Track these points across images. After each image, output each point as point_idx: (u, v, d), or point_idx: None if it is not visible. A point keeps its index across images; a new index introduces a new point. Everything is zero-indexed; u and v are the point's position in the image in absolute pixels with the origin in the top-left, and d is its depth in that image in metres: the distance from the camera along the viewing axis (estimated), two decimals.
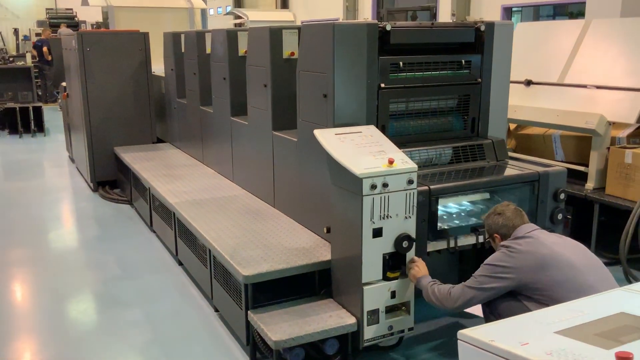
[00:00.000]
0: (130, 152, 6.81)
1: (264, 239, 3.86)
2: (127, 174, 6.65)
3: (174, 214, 4.77)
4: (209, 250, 3.94)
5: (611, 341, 1.39)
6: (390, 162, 3.14)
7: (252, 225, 4.13)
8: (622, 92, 4.74)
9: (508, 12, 14.81)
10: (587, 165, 4.90)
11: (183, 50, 6.53)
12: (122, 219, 6.20)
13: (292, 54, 4.33)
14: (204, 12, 11.84)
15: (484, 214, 3.31)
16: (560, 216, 3.73)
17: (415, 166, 3.20)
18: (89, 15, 22.08)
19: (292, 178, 4.17)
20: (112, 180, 7.25)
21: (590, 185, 4.84)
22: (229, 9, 27.58)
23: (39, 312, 4.15)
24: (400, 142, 3.56)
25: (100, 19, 21.02)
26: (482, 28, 3.89)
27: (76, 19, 22.16)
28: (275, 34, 4.27)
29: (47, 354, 3.61)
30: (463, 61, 3.88)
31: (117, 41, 7.04)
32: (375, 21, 3.57)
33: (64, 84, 8.86)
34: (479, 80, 3.96)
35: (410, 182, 3.17)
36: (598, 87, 4.94)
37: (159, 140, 7.59)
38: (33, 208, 6.64)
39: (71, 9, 23.24)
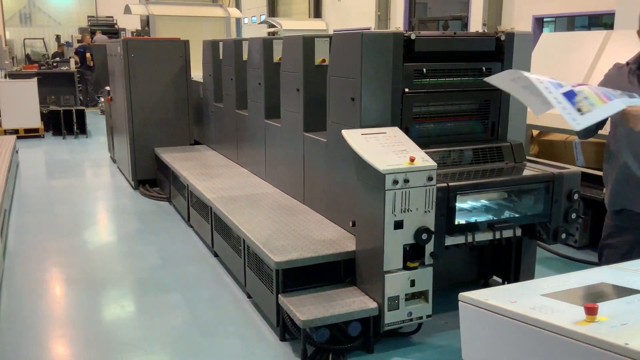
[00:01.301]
0: (170, 152, 7.21)
1: (294, 231, 4.17)
2: (166, 173, 7.06)
3: (210, 208, 5.12)
4: (244, 241, 4.26)
5: (586, 301, 1.65)
6: (412, 160, 3.42)
7: (283, 219, 4.45)
8: None
9: (539, 22, 14.90)
10: None
11: (221, 57, 6.91)
12: (161, 214, 6.59)
13: (324, 60, 4.64)
14: (239, 21, 12.32)
15: (500, 211, 3.53)
16: (574, 215, 3.94)
17: (435, 164, 3.46)
18: (129, 23, 22.90)
19: (321, 176, 4.47)
20: (152, 179, 7.67)
21: None
22: (263, 18, 28.22)
23: (86, 295, 4.52)
24: (423, 143, 3.81)
25: (139, 27, 21.89)
26: (503, 38, 4.13)
27: (116, 26, 22.99)
28: (308, 42, 4.60)
29: (94, 330, 3.97)
30: (484, 68, 4.13)
31: (159, 48, 7.48)
32: (402, 30, 3.85)
33: (107, 88, 9.36)
34: None
35: (430, 178, 3.44)
36: None
37: (196, 143, 7.99)
38: (78, 204, 7.10)
39: (111, 17, 24.11)
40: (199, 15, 11.37)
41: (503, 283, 4.51)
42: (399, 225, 3.41)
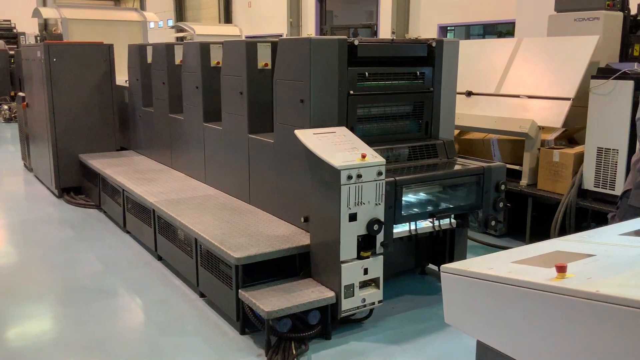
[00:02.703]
0: (97, 158, 7.07)
1: (246, 229, 4.31)
2: (93, 180, 6.91)
3: (153, 211, 5.13)
4: (196, 240, 4.34)
5: (551, 264, 1.95)
6: (363, 156, 3.69)
7: (232, 219, 4.57)
8: (550, 100, 5.50)
9: (444, 30, 15.83)
10: (520, 165, 5.61)
11: (149, 61, 6.88)
12: (92, 221, 6.46)
13: (266, 65, 4.82)
14: (144, 25, 12.12)
15: (438, 202, 3.87)
16: (501, 204, 4.37)
17: (384, 160, 3.75)
18: (27, 27, 21.76)
19: (268, 176, 4.64)
20: (76, 186, 7.46)
21: (524, 182, 5.55)
22: (170, 22, 27.74)
23: (28, 304, 4.41)
24: (366, 142, 4.08)
25: (36, 32, 20.85)
26: (433, 44, 4.51)
27: (14, 30, 21.77)
28: (250, 47, 4.75)
29: (47, 337, 3.90)
30: (418, 72, 4.49)
31: (83, 52, 7.31)
32: (345, 37, 4.12)
33: (21, 93, 8.96)
34: (431, 89, 4.58)
35: (379, 173, 3.72)
36: (529, 97, 5.69)
37: (122, 148, 7.85)
38: None
39: (9, 20, 22.78)
40: (114, 19, 11.12)
41: (439, 271, 4.89)
42: (353, 217, 3.66)
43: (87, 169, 7.09)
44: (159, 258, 5.22)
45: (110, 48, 7.48)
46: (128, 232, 5.97)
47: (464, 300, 2.07)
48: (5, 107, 15.04)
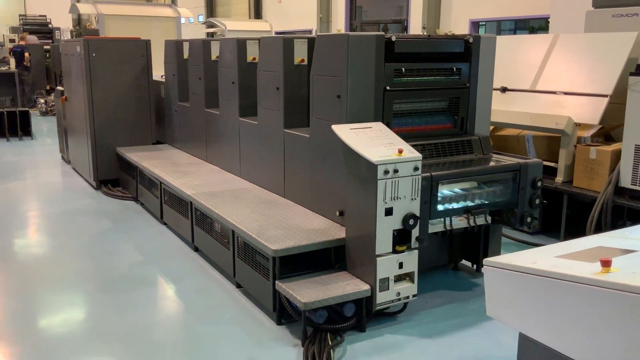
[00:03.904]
0: (134, 152, 7.23)
1: (282, 222, 4.38)
2: (131, 172, 7.08)
3: (190, 203, 5.24)
4: (233, 232, 4.44)
5: (594, 259, 1.98)
6: (400, 151, 3.73)
7: (269, 212, 4.65)
8: (587, 97, 5.45)
9: (476, 25, 15.69)
10: (556, 162, 5.58)
11: (186, 57, 7.01)
12: (130, 213, 6.62)
13: (302, 60, 4.88)
14: (177, 21, 12.30)
15: (474, 198, 3.89)
16: (537, 201, 4.37)
17: (420, 155, 3.78)
18: (62, 22, 22.23)
19: (303, 170, 4.71)
20: (113, 179, 7.64)
21: (559, 179, 5.51)
22: (200, 18, 28.02)
23: (70, 292, 4.56)
24: (402, 137, 4.12)
25: (71, 26, 21.29)
26: (470, 40, 4.51)
27: (50, 25, 22.27)
28: (288, 43, 4.82)
29: (90, 324, 4.04)
30: (454, 68, 4.50)
31: (121, 47, 7.48)
32: (383, 33, 4.15)
33: (60, 87, 9.19)
34: (467, 85, 4.58)
35: (416, 169, 3.75)
36: (566, 93, 5.64)
37: (157, 142, 8.01)
38: (40, 205, 7.01)
39: (44, 16, 23.32)
40: (149, 15, 11.31)
41: (472, 266, 4.91)
42: (389, 212, 3.70)
43: (125, 161, 7.26)
44: (196, 249, 5.34)
45: (147, 43, 7.63)
46: (165, 224, 6.11)
47: (506, 293, 2.10)
48: (42, 100, 15.40)
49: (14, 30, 20.95)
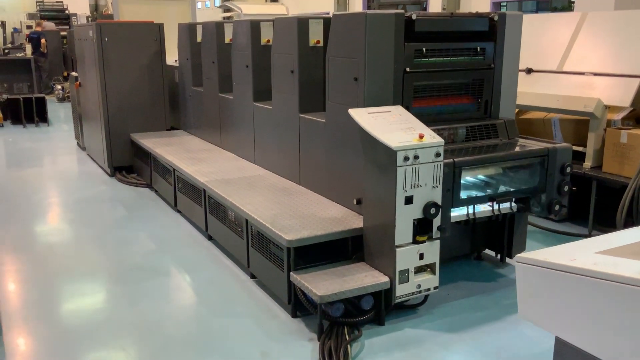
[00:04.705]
0: (148, 138, 7.11)
1: (298, 210, 4.22)
2: (145, 159, 6.96)
3: (204, 191, 5.10)
4: (247, 221, 4.28)
5: (639, 256, 1.77)
6: (421, 137, 3.52)
7: (283, 200, 4.49)
8: (617, 78, 5.17)
9: (497, 7, 15.24)
10: (584, 146, 5.32)
11: (199, 40, 6.83)
12: (144, 200, 6.51)
13: (318, 42, 4.68)
14: (193, 5, 12.04)
15: (498, 185, 3.69)
16: (566, 188, 4.14)
17: (442, 141, 3.58)
18: (79, 9, 22.15)
19: (319, 157, 4.53)
20: (128, 165, 7.54)
21: (588, 164, 5.26)
22: (217, 2, 27.76)
23: (84, 281, 4.46)
24: (422, 121, 3.91)
25: (87, 12, 21.21)
26: (496, 18, 4.27)
27: (67, 11, 22.22)
28: (302, 23, 4.62)
29: (103, 315, 3.93)
30: (478, 48, 4.27)
31: (134, 31, 7.33)
32: (402, 11, 3.93)
33: (74, 73, 9.10)
34: (492, 65, 4.35)
35: (437, 154, 3.55)
36: (595, 74, 5.37)
37: (172, 128, 7.89)
38: (55, 192, 6.93)
39: (61, 2, 23.28)
40: None
41: (496, 256, 4.70)
42: (409, 200, 3.52)
43: (139, 148, 7.15)
44: (210, 238, 5.21)
45: (160, 27, 7.48)
46: (179, 212, 5.98)
47: (542, 293, 1.91)
48: (59, 87, 15.37)
49: (30, 16, 20.91)
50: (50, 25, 17.98)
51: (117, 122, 7.39)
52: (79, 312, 4.03)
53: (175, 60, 7.81)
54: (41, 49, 15.66)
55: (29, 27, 18.86)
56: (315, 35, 4.67)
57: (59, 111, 13.80)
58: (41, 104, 11.70)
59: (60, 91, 15.29)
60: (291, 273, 3.72)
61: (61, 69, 17.07)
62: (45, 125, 11.68)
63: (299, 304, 3.77)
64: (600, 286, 1.68)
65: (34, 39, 15.77)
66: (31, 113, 11.57)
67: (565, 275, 1.78)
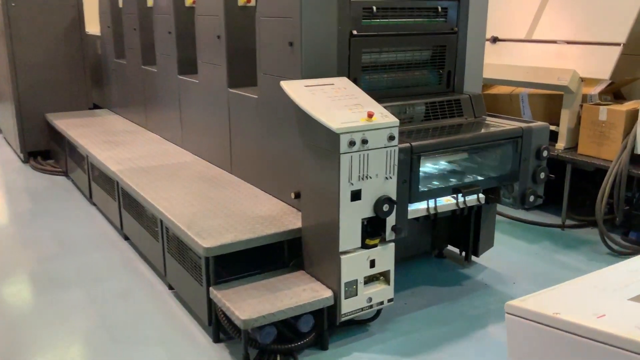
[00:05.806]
0: (64, 118, 6.20)
1: (224, 207, 3.46)
2: (61, 143, 6.05)
3: (117, 182, 4.28)
4: (161, 221, 3.50)
5: None
6: (370, 115, 2.80)
7: (209, 193, 3.72)
8: (595, 46, 4.55)
9: None
10: (556, 125, 4.70)
11: (121, 5, 5.92)
12: (57, 191, 5.62)
13: (249, 1, 3.88)
14: None
15: (464, 174, 3.03)
16: (542, 175, 3.50)
17: (397, 120, 2.86)
18: None
19: (252, 139, 3.77)
20: (45, 150, 6.61)
21: (561, 145, 4.65)
22: None
23: None
24: (373, 96, 3.19)
25: None
26: None
27: None
28: None
29: None
30: (439, 8, 3.54)
31: None
32: None
33: None
34: (455, 29, 3.64)
35: (391, 138, 2.84)
36: (568, 42, 4.74)
37: (96, 107, 6.97)
38: None
39: None
40: None
41: (460, 254, 4.06)
42: (356, 195, 2.80)
43: (55, 130, 6.22)
44: (126, 238, 4.40)
45: None
46: (95, 205, 5.13)
47: (533, 348, 1.21)
48: None
49: None
50: None
51: (29, 100, 6.42)
52: None
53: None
54: None
55: None
56: None
57: None
58: None
59: None
60: (211, 288, 2.97)
61: None
62: None
63: (222, 326, 3.03)
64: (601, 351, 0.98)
65: None
66: None
67: (564, 335, 1.09)
